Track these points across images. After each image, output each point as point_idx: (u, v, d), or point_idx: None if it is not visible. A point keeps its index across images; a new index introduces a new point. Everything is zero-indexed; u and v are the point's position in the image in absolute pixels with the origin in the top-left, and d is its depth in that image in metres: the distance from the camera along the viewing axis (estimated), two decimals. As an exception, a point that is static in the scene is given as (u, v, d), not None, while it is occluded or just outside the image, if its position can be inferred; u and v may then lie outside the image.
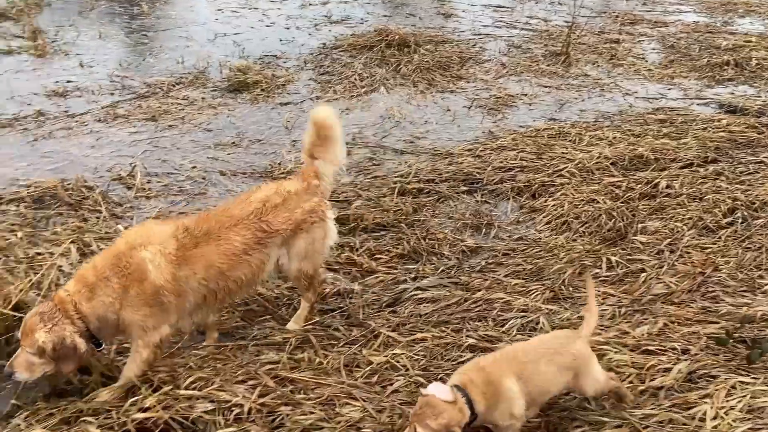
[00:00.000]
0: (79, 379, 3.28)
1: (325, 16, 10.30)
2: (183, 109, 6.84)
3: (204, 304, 3.39)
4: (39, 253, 4.04)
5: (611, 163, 5.85)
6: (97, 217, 4.72)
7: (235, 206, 3.50)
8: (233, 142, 6.26)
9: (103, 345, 3.22)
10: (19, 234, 4.21)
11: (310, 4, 11.06)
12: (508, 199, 5.42)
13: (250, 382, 3.28)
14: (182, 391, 3.12)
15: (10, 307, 3.43)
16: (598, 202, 5.15)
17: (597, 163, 5.82)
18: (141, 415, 2.92)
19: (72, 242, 4.15)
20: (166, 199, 5.20)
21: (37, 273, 3.79)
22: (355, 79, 7.83)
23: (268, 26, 9.81)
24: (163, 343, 3.29)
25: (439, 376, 3.40)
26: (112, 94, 7.07)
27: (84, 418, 2.94)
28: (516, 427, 2.88)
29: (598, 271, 4.37)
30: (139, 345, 3.22)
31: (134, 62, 7.99)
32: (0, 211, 4.76)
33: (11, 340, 3.32)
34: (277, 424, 3.11)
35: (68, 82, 7.24)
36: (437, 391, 2.73)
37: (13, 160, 5.59)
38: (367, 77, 7.90)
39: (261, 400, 3.19)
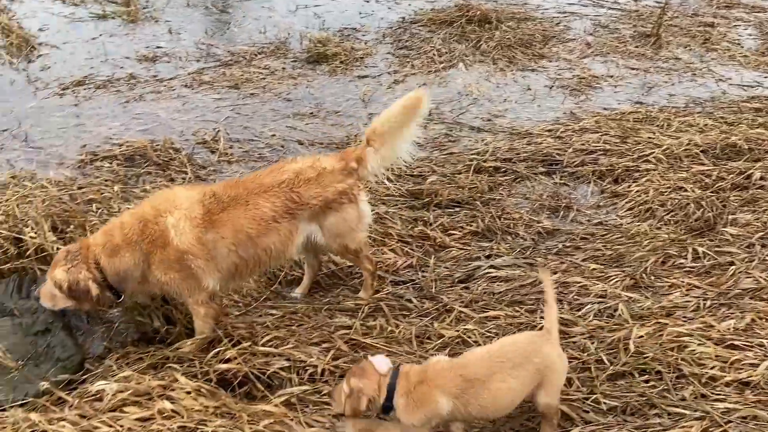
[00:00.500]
0: (165, 329, 3.45)
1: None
2: (264, 78, 6.97)
3: (236, 272, 3.41)
4: (130, 208, 4.23)
5: (701, 151, 5.55)
6: (183, 178, 4.90)
7: (266, 175, 3.52)
8: (311, 113, 6.34)
9: (123, 297, 3.28)
10: (115, 188, 4.42)
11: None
12: (589, 182, 5.25)
13: (324, 345, 3.37)
14: (260, 348, 3.23)
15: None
16: (686, 191, 4.92)
17: (686, 150, 5.53)
18: (223, 366, 3.04)
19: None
20: (246, 165, 5.34)
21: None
22: (434, 54, 7.74)
23: (347, -1, 9.81)
24: (214, 298, 3.36)
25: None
26: (198, 60, 7.27)
27: (170, 365, 3.09)
28: None
29: (683, 261, 4.19)
30: (191, 304, 3.33)
31: (219, 30, 8.17)
32: (95, 167, 5.03)
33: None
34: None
35: (158, 47, 7.50)
36: (378, 360, 2.72)
37: (107, 119, 5.87)
38: (446, 53, 7.79)
39: (334, 363, 3.26)
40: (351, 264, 4.05)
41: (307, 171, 3.50)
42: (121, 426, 2.61)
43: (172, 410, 2.76)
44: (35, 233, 3.69)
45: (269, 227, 3.36)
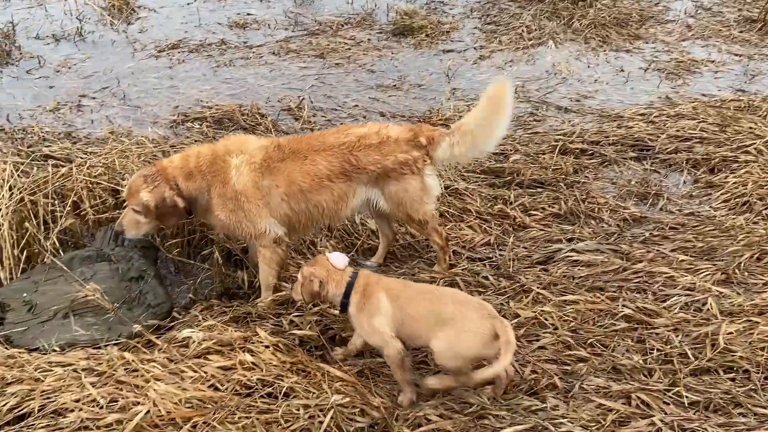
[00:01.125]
0: (248, 285, 3.57)
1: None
2: (349, 49, 6.99)
3: (290, 224, 3.48)
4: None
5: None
6: (268, 143, 5.00)
7: (331, 134, 3.56)
8: (394, 85, 6.32)
9: (193, 215, 3.47)
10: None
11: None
12: (682, 171, 4.99)
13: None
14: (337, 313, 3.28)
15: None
16: (789, 186, 4.59)
17: (792, 142, 5.16)
18: (299, 332, 3.12)
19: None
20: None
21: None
22: (523, 30, 7.52)
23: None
24: (280, 243, 3.45)
25: (588, 341, 3.29)
26: (286, 29, 7.38)
27: (251, 320, 3.20)
28: (375, 342, 2.91)
29: (780, 259, 3.93)
30: (256, 246, 3.47)
31: (307, 0, 8.24)
32: (186, 128, 5.22)
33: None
34: (421, 359, 3.19)
35: (248, 14, 7.66)
36: (335, 256, 2.97)
37: (199, 82, 6.08)
38: (536, 30, 7.55)
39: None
40: (426, 237, 4.04)
41: (371, 136, 3.51)
42: (205, 372, 2.73)
43: (252, 362, 2.86)
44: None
45: (322, 184, 3.43)
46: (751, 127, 5.44)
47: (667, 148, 5.20)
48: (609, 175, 4.94)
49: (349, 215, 3.71)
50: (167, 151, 4.64)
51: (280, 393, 2.76)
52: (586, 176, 4.86)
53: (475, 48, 7.18)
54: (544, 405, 2.89)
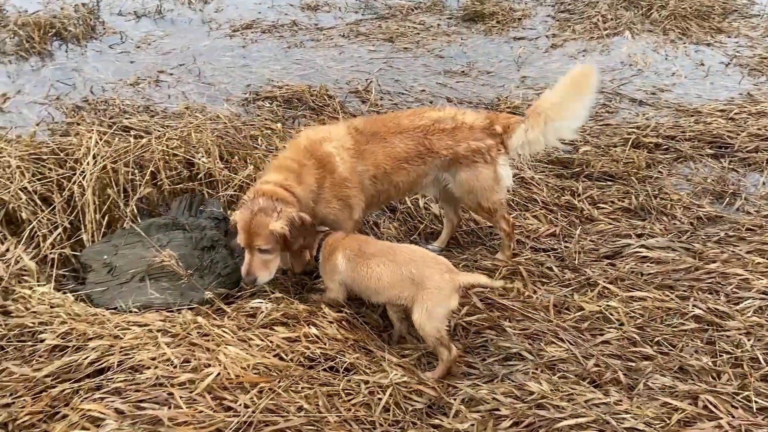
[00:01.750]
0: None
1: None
2: (418, 34, 6.97)
3: (371, 203, 3.50)
4: (280, 151, 4.46)
5: None
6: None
7: (406, 116, 3.54)
8: (462, 71, 6.27)
9: None
10: (278, 125, 4.68)
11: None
12: (762, 171, 4.77)
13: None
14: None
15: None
16: None
17: None
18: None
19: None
20: (394, 116, 5.41)
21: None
22: (598, 20, 7.32)
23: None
24: (357, 226, 3.46)
25: (655, 339, 3.20)
26: (356, 12, 7.42)
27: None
28: (329, 295, 3.15)
29: None
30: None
31: (378, -16, 8.26)
32: (257, 106, 5.34)
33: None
34: (479, 344, 3.19)
35: (320, -3, 7.75)
36: None
37: (270, 62, 6.20)
38: (612, 19, 7.34)
39: (468, 319, 3.28)
40: (490, 225, 4.01)
41: (446, 121, 3.50)
42: (271, 342, 2.81)
43: (316, 336, 2.93)
44: (206, 159, 4.01)
45: (401, 167, 3.44)
46: (841, 129, 5.13)
47: (747, 147, 4.97)
48: (684, 172, 4.77)
49: (418, 191, 3.78)
50: (240, 127, 4.76)
51: (341, 368, 2.81)
52: (659, 171, 4.71)
53: (547, 36, 7.04)
54: (607, 399, 2.83)
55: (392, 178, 3.45)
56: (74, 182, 3.78)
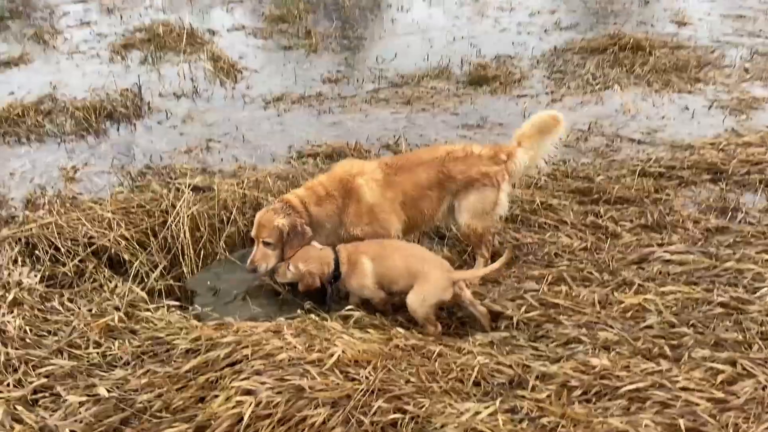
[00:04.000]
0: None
1: (554, 23, 10.76)
2: (432, 97, 7.77)
3: (406, 229, 4.12)
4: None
5: None
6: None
7: (424, 152, 4.39)
8: (478, 125, 7.00)
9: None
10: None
11: (539, 13, 11.60)
12: (756, 190, 5.42)
13: (517, 301, 3.89)
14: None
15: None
16: None
17: None
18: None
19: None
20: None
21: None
22: (588, 78, 8.19)
23: (500, 32, 10.53)
24: None
25: (690, 322, 3.71)
26: (373, 82, 8.24)
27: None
28: (366, 295, 3.67)
29: None
30: None
31: (388, 57, 9.16)
32: (302, 162, 5.98)
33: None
34: (541, 334, 3.68)
35: (338, 71, 8.58)
36: (317, 245, 3.64)
37: (305, 126, 6.90)
38: (600, 76, 8.21)
39: (527, 315, 3.78)
40: (532, 242, 4.57)
41: (457, 152, 4.21)
42: (371, 335, 3.31)
43: (404, 335, 3.42)
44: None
45: (425, 193, 4.12)
46: (823, 153, 5.84)
47: (740, 171, 5.64)
48: (688, 194, 5.41)
49: (439, 219, 4.37)
50: (292, 179, 5.36)
51: (432, 355, 3.29)
52: (667, 194, 5.34)
53: (546, 93, 7.86)
54: (659, 368, 3.31)
55: (419, 204, 4.11)
56: (167, 227, 4.33)
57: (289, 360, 2.90)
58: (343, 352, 2.99)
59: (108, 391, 2.93)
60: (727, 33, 10.08)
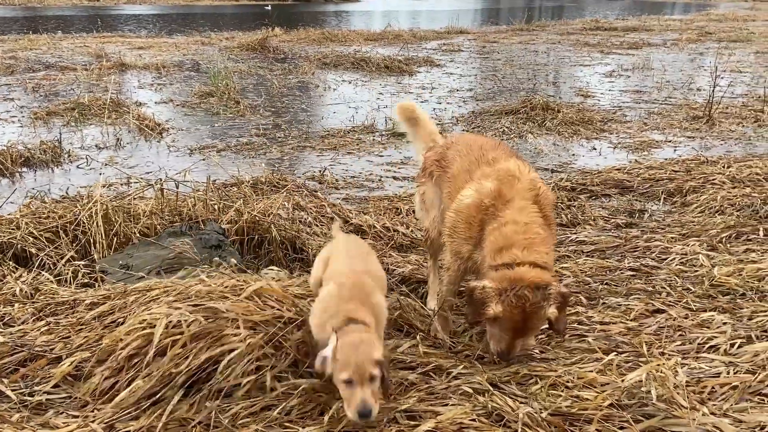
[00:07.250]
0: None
1: (472, 97, 11.56)
2: (358, 145, 8.04)
3: None
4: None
5: (764, 178, 6.05)
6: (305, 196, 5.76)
7: None
8: (402, 162, 7.25)
9: None
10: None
11: (457, 90, 12.44)
12: (659, 199, 5.79)
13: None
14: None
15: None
16: (754, 196, 5.39)
17: (748, 176, 6.06)
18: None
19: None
20: (350, 190, 6.17)
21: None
22: (504, 129, 8.74)
23: (422, 102, 11.18)
24: None
25: (604, 281, 3.82)
26: (301, 135, 8.47)
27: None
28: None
29: (754, 236, 4.59)
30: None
31: (315, 119, 9.48)
32: (226, 190, 5.95)
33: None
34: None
35: (265, 129, 8.79)
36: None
37: (233, 165, 6.93)
38: (515, 128, 8.78)
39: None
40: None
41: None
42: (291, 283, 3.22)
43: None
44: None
45: None
46: (714, 170, 6.36)
47: (644, 186, 6.05)
48: (599, 202, 5.71)
49: None
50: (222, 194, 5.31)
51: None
52: (580, 203, 5.62)
53: (466, 141, 8.27)
54: (575, 310, 3.36)
55: None
56: (77, 222, 4.16)
57: (206, 292, 2.77)
58: (261, 287, 2.89)
59: (3, 336, 2.69)
60: (626, 102, 11.09)
